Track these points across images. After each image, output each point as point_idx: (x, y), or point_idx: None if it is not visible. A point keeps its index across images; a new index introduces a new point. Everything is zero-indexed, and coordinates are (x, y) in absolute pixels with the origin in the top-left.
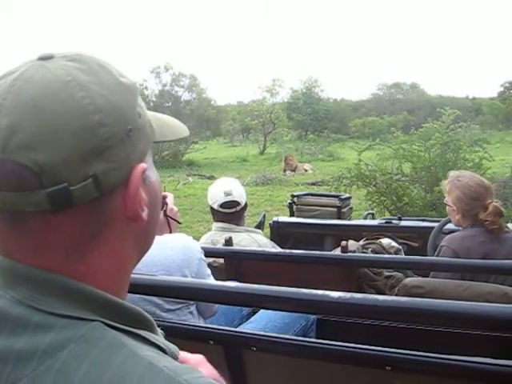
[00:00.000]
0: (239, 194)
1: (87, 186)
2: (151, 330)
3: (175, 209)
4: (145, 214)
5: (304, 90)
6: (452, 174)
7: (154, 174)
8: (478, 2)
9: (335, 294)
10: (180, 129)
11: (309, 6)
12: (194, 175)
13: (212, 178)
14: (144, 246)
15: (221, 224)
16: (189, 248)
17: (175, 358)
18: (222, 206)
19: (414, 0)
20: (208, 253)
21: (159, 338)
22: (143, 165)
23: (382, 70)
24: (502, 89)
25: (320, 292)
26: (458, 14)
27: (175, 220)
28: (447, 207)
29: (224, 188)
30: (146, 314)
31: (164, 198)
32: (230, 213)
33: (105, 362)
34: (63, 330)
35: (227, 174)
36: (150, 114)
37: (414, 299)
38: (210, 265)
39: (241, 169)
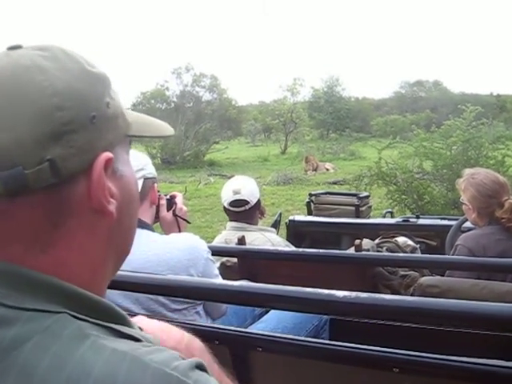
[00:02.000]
0: (249, 192)
1: (43, 169)
2: (124, 324)
3: (184, 208)
4: (112, 207)
5: (325, 89)
6: (467, 171)
7: (128, 170)
8: None
9: (340, 294)
10: (162, 127)
11: (331, 4)
12: (215, 175)
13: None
14: (121, 245)
15: (234, 223)
16: (195, 248)
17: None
18: (230, 204)
19: None
20: (221, 252)
21: (135, 330)
22: (108, 154)
23: (405, 67)
24: None
25: (325, 291)
26: (481, 10)
27: (184, 219)
28: (463, 206)
29: (233, 186)
30: (118, 309)
31: (173, 197)
32: (239, 212)
33: (67, 353)
34: (27, 323)
35: (248, 174)
36: (130, 111)
37: (422, 299)
38: (223, 264)
39: (262, 168)
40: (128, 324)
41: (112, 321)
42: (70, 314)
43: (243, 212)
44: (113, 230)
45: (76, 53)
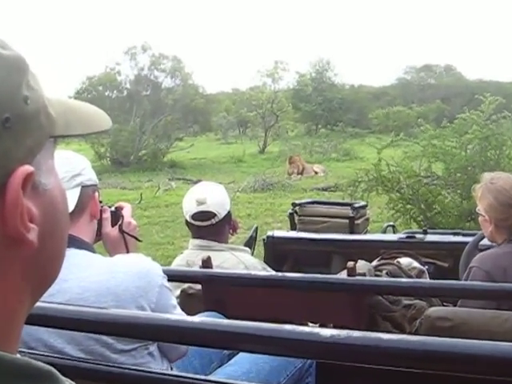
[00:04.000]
0: (216, 202)
1: None
2: (51, 382)
3: (134, 223)
4: (33, 235)
5: (314, 75)
6: (485, 176)
7: (52, 180)
8: None
9: (327, 333)
10: (98, 119)
11: None
12: (178, 180)
13: (199, 182)
14: (41, 279)
15: (198, 241)
16: (146, 272)
17: None
18: (194, 217)
19: None
20: (182, 277)
21: None
22: (27, 167)
23: (410, 50)
24: None
25: (307, 329)
26: None
27: (134, 237)
28: (479, 217)
29: (197, 195)
30: (40, 365)
31: (119, 209)
32: (205, 226)
33: None
34: None
35: (218, 179)
36: (54, 99)
37: (429, 339)
38: (184, 292)
39: (236, 171)
40: (55, 381)
41: (34, 381)
42: None
43: (209, 227)
44: (31, 262)
45: None
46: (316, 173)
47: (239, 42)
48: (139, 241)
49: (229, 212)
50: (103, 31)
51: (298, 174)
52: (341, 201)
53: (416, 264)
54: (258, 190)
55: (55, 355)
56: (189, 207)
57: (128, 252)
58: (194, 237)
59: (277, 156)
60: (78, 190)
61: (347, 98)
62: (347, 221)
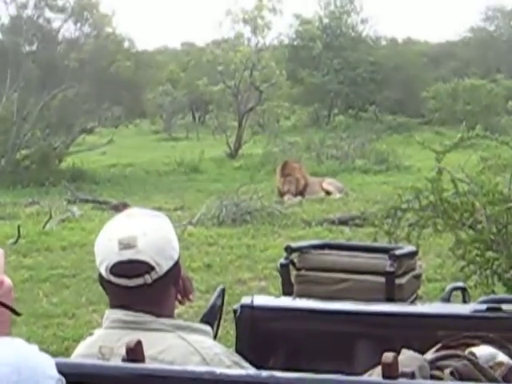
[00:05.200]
0: (154, 245)
1: None
2: None
3: (7, 282)
4: None
5: (326, 21)
6: None
7: None
8: None
9: None
10: None
11: None
12: (86, 202)
13: (122, 208)
14: None
15: (120, 313)
16: (28, 364)
17: None
18: (113, 270)
19: None
20: (91, 376)
21: None
22: None
23: None
24: None
25: None
26: None
27: (5, 306)
28: None
29: (120, 232)
30: None
31: None
32: (134, 288)
33: None
34: None
35: (157, 201)
36: None
37: None
38: None
39: (187, 189)
40: None
41: None
42: None
43: (141, 289)
44: None
45: None
46: (328, 193)
47: None
48: (16, 314)
49: (176, 263)
50: None
51: (296, 194)
52: (372, 244)
53: (502, 357)
54: (227, 223)
55: None
56: (106, 253)
57: None
58: (114, 305)
59: (259, 163)
60: None
61: (385, 62)
62: (383, 279)
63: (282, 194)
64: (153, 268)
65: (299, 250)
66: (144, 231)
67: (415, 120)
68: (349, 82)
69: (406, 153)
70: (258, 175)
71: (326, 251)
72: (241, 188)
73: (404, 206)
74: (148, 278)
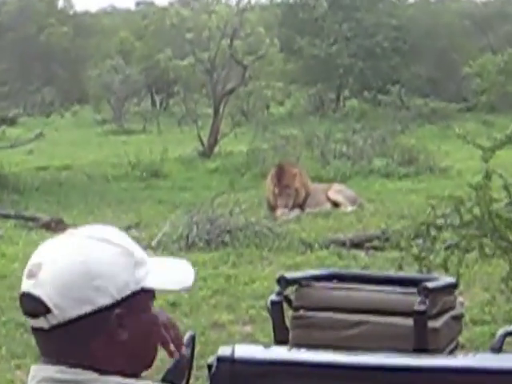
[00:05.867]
0: (55, 278)
1: None
2: None
3: None
4: None
5: None
6: None
7: None
8: None
9: None
10: None
11: None
12: (5, 218)
13: (55, 226)
14: None
15: (50, 369)
16: None
17: None
18: (24, 310)
19: None
20: None
21: None
22: None
23: None
24: None
25: None
26: None
27: None
28: None
29: (33, 257)
30: None
31: None
32: (49, 331)
33: None
34: None
35: (99, 216)
36: None
37: None
38: None
39: (145, 199)
40: None
41: None
42: None
43: (52, 332)
44: None
45: None
46: (336, 204)
47: None
48: None
49: (106, 309)
50: None
51: (293, 206)
52: (396, 274)
53: None
54: (198, 246)
55: None
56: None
57: None
58: (43, 358)
59: (242, 164)
60: None
61: (413, 26)
62: (411, 321)
63: (273, 207)
64: (48, 310)
65: (297, 282)
66: (54, 258)
67: (454, 105)
68: (364, 55)
69: (442, 150)
70: (240, 181)
71: (334, 284)
72: (217, 198)
73: (439, 221)
74: (44, 322)
